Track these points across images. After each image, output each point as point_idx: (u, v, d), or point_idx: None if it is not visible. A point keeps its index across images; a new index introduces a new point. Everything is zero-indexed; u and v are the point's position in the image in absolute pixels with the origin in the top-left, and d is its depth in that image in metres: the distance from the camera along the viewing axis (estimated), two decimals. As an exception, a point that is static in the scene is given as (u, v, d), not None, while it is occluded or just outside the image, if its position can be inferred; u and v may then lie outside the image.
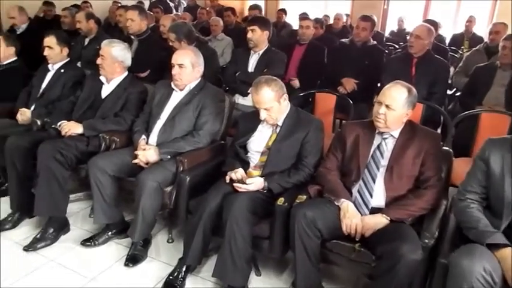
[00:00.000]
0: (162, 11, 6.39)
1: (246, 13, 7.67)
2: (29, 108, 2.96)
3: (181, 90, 2.50)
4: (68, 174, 2.39)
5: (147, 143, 2.44)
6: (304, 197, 1.97)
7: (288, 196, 1.99)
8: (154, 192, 2.16)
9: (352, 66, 3.68)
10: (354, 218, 1.82)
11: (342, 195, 1.92)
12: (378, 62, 3.69)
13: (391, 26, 7.54)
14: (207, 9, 6.46)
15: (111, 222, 2.39)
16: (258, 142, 2.22)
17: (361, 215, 1.86)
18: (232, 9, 6.01)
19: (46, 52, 2.98)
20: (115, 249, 2.39)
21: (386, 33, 7.14)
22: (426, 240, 1.68)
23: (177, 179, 2.25)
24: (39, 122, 2.75)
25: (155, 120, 2.48)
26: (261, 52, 3.20)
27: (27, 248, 2.27)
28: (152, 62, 3.52)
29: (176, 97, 2.50)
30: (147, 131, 2.50)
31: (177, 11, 7.96)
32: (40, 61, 3.98)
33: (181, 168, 2.26)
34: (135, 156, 2.33)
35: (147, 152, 2.31)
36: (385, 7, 7.27)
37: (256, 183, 2.07)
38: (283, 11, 7.03)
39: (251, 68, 3.20)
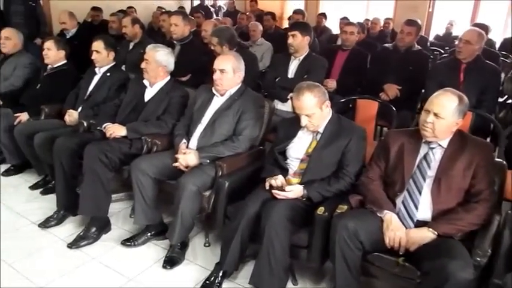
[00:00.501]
0: (203, 16, 6.51)
1: (286, 17, 7.69)
2: (76, 109, 3.09)
3: (222, 95, 2.51)
4: (112, 175, 2.46)
5: (187, 146, 2.47)
6: (345, 207, 1.91)
7: (328, 205, 1.94)
8: (193, 196, 2.17)
9: (394, 72, 3.56)
10: (397, 231, 1.74)
11: (385, 206, 1.85)
12: (422, 68, 3.55)
13: (435, 30, 7.27)
14: (247, 14, 6.49)
15: (151, 223, 2.43)
16: (298, 149, 2.18)
17: (406, 227, 1.78)
18: (272, 14, 6.02)
19: (94, 56, 3.10)
20: (153, 250, 2.43)
21: (431, 37, 6.89)
22: (478, 258, 1.58)
23: (215, 184, 2.25)
24: (85, 124, 2.86)
25: (196, 124, 2.51)
26: (301, 58, 3.17)
27: (70, 245, 2.36)
28: (193, 66, 3.57)
29: (217, 102, 2.52)
30: (188, 135, 2.53)
31: (217, 15, 8.09)
32: (87, 64, 4.18)
33: (220, 173, 2.27)
34: (176, 160, 2.36)
35: (187, 155, 2.34)
36: (429, 10, 7.00)
37: (295, 191, 2.03)
38: (323, 15, 6.96)
39: (291, 74, 3.17)
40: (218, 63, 2.47)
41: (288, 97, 3.10)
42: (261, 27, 5.23)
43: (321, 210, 1.91)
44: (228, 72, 2.45)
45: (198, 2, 8.28)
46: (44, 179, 3.08)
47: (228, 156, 2.35)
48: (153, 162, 2.38)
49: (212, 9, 8.25)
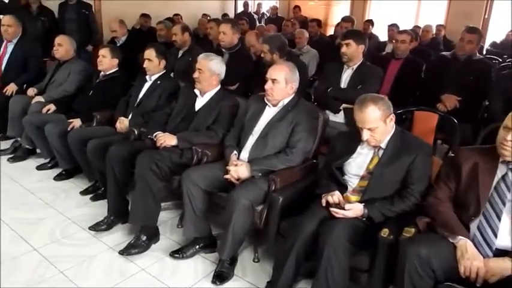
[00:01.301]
0: (247, 23, 6.50)
1: (330, 24, 7.55)
2: (126, 116, 3.11)
3: (274, 106, 2.43)
4: (162, 185, 2.43)
5: (238, 158, 2.41)
6: (413, 230, 1.76)
7: (393, 227, 1.80)
8: (246, 210, 2.10)
9: (453, 82, 3.36)
10: (474, 260, 1.58)
11: (459, 231, 1.68)
12: (485, 78, 3.33)
13: (491, 37, 6.86)
14: (292, 20, 6.41)
15: (200, 235, 2.37)
16: (357, 165, 2.06)
17: (483, 256, 1.61)
18: (318, 21, 5.91)
19: (145, 64, 3.11)
20: (202, 263, 2.37)
21: (486, 45, 6.52)
22: None
23: (268, 198, 2.17)
24: (136, 132, 2.86)
25: (247, 135, 2.44)
26: (355, 67, 3.04)
27: (122, 252, 2.34)
28: (242, 75, 3.52)
29: (269, 113, 2.44)
30: (239, 146, 2.47)
31: (260, 22, 8.07)
32: (137, 71, 4.24)
33: (273, 187, 2.18)
34: (227, 172, 2.30)
35: (239, 168, 2.27)
36: (485, 16, 6.62)
37: (355, 209, 1.91)
38: (370, 22, 6.75)
39: (344, 83, 3.05)
40: (271, 73, 2.40)
41: (341, 108, 2.98)
42: (307, 34, 5.14)
43: (385, 232, 1.77)
44: (280, 83, 2.37)
45: (242, 9, 8.27)
46: (94, 184, 3.11)
47: (281, 170, 2.26)
48: (204, 174, 2.33)
49: (255, 16, 8.24)
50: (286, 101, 2.42)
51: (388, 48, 5.81)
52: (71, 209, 2.86)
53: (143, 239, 2.41)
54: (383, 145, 2.01)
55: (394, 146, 2.00)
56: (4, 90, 3.82)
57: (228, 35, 3.55)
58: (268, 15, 8.65)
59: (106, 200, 2.86)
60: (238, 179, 2.27)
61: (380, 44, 6.14)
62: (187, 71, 3.85)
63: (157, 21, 6.36)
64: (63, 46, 3.76)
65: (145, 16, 6.33)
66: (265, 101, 2.46)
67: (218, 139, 2.62)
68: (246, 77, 3.56)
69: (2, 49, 3.99)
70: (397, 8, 7.29)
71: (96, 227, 2.56)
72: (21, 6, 4.99)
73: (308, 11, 8.07)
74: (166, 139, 2.59)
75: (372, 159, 2.02)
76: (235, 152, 2.42)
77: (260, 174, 2.25)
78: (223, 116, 2.68)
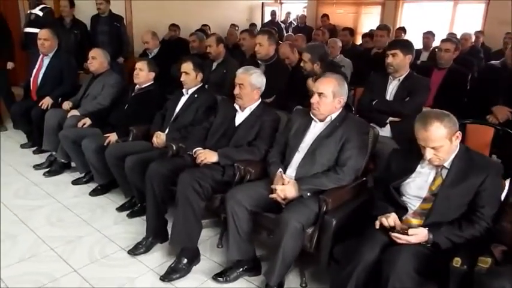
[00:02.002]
0: (275, 32, 6.40)
1: (360, 32, 7.38)
2: (163, 131, 3.04)
3: (321, 120, 2.31)
4: (204, 204, 2.34)
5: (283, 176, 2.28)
6: (489, 259, 1.59)
7: (464, 256, 1.63)
8: (297, 233, 1.97)
9: (505, 93, 3.17)
10: None
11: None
12: (541, 88, 3.11)
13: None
14: (322, 29, 6.29)
15: (244, 258, 2.26)
16: (417, 185, 1.90)
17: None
18: (350, 30, 5.78)
19: (182, 77, 3.05)
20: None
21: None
22: None
23: (319, 220, 2.03)
24: (174, 147, 2.79)
25: (293, 152, 2.32)
26: (401, 78, 2.88)
27: (163, 278, 2.24)
28: (278, 87, 3.41)
29: (316, 128, 2.32)
30: (283, 163, 2.35)
31: (287, 31, 7.98)
32: (168, 83, 4.19)
33: (325, 208, 2.04)
34: (272, 191, 2.18)
35: (286, 187, 2.14)
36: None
37: (419, 235, 1.75)
38: (402, 29, 6.56)
39: (389, 95, 2.90)
40: (318, 86, 2.28)
41: (387, 121, 2.83)
42: (340, 44, 5.01)
43: (457, 261, 1.61)
44: (327, 97, 2.24)
45: (269, 18, 8.21)
46: (130, 201, 3.05)
47: (331, 190, 2.12)
48: (249, 193, 2.21)
49: (283, 25, 8.17)
50: (334, 115, 2.29)
51: (423, 57, 5.62)
52: (109, 227, 2.79)
53: (184, 262, 2.30)
54: (447, 164, 1.85)
55: (460, 165, 1.83)
56: (40, 104, 3.82)
57: (264, 46, 3.45)
58: (295, 24, 8.56)
59: (143, 217, 2.82)
60: (284, 199, 2.15)
61: (416, 53, 5.92)
62: (221, 83, 3.80)
63: (184, 32, 6.47)
64: (97, 59, 3.75)
65: (174, 26, 6.34)
66: (311, 115, 2.34)
67: (260, 155, 2.50)
68: (283, 89, 3.46)
69: (38, 63, 4.00)
70: (431, 14, 7.05)
71: (135, 250, 2.47)
72: (55, 20, 5.04)
73: (336, 19, 7.93)
74: (207, 156, 2.49)
75: (435, 179, 1.86)
76: (280, 169, 2.30)
77: (309, 194, 2.12)
78: (265, 131, 2.57)
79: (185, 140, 2.83)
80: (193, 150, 2.60)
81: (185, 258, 2.31)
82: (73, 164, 3.59)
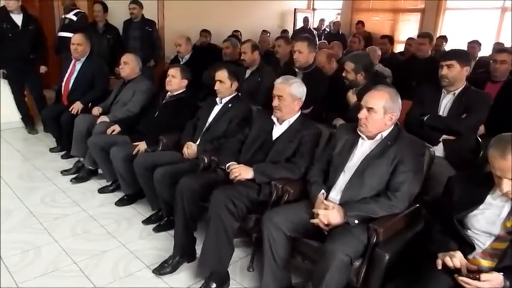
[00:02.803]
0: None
1: (396, 40, 7.06)
2: (194, 141, 2.88)
3: (370, 138, 2.07)
4: (237, 225, 2.15)
5: (326, 198, 2.06)
6: None
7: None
8: (343, 267, 1.74)
9: None
10: None
11: None
12: None
13: None
14: (358, 36, 6.02)
15: (280, 287, 2.04)
16: (487, 219, 1.64)
17: None
18: (390, 37, 5.51)
19: (217, 86, 2.88)
20: (281, 320, 2.03)
21: None
22: None
23: (368, 253, 1.80)
24: (206, 160, 2.62)
25: (337, 172, 2.09)
26: (457, 92, 2.61)
27: (190, 305, 2.06)
28: (316, 97, 3.20)
29: (365, 147, 2.08)
30: (326, 184, 2.13)
31: (320, 39, 7.75)
32: (200, 91, 4.05)
33: (375, 239, 1.81)
34: (314, 215, 1.96)
35: (330, 212, 1.92)
36: None
37: (493, 281, 1.49)
38: (444, 38, 6.21)
39: (443, 111, 2.63)
40: (367, 100, 2.05)
41: (440, 139, 2.57)
42: (379, 52, 4.75)
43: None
44: (378, 112, 2.01)
45: (302, 25, 8.01)
46: (156, 213, 2.89)
47: (382, 218, 1.88)
48: (288, 216, 2.01)
49: (315, 32, 7.94)
50: (385, 133, 2.05)
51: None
52: (134, 241, 2.65)
53: (213, 286, 2.12)
54: (526, 198, 1.58)
55: (541, 200, 1.57)
56: (70, 109, 3.75)
57: (304, 54, 3.24)
58: (328, 31, 8.32)
59: (169, 232, 2.68)
60: (327, 225, 1.93)
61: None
62: (255, 92, 3.62)
63: (215, 38, 6.36)
64: (129, 64, 3.64)
65: (205, 32, 6.24)
66: (358, 132, 2.11)
67: (300, 173, 2.29)
68: (321, 100, 3.24)
69: (70, 68, 3.95)
70: (475, 23, 6.66)
71: (160, 270, 2.30)
72: (88, 24, 5.02)
73: (372, 26, 7.64)
74: (242, 172, 2.30)
75: (511, 215, 1.60)
76: (323, 191, 2.08)
77: (357, 221, 1.89)
78: (305, 146, 2.36)
79: (218, 152, 2.67)
80: (227, 165, 2.42)
81: (214, 282, 2.13)
82: (100, 171, 3.49)
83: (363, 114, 2.04)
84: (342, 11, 8.31)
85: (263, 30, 7.04)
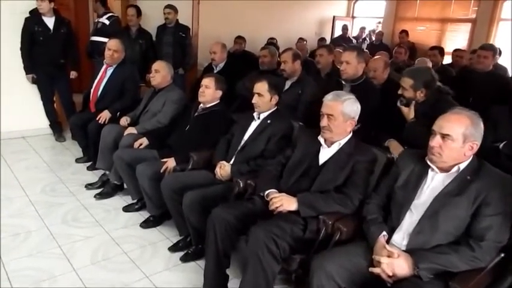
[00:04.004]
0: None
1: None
2: (228, 160, 2.59)
3: (444, 170, 1.70)
4: (279, 268, 1.82)
5: (388, 241, 1.70)
6: None
7: None
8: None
9: None
10: None
11: None
12: None
13: None
14: (403, 47, 5.59)
15: None
16: None
17: None
18: (440, 49, 5.04)
19: (255, 99, 2.58)
20: None
21: None
22: None
23: (447, 319, 1.43)
24: (241, 184, 2.32)
25: (402, 210, 1.73)
26: (541, 114, 2.20)
27: None
28: (366, 113, 2.82)
29: (436, 181, 1.71)
30: (387, 223, 1.77)
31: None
32: (232, 102, 3.76)
33: (455, 302, 1.44)
34: (374, 262, 1.61)
35: (396, 261, 1.57)
36: None
37: None
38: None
39: (523, 136, 2.22)
40: (442, 125, 1.69)
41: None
42: (430, 64, 4.34)
43: None
44: (455, 140, 1.64)
45: (340, 33, 7.65)
46: (184, 239, 2.60)
47: (463, 273, 1.52)
48: (342, 263, 1.66)
49: (354, 41, 7.55)
50: (463, 165, 1.68)
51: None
52: (160, 272, 2.36)
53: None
54: None
55: None
56: (97, 118, 3.55)
57: (352, 65, 2.89)
58: (368, 40, 7.90)
59: (198, 262, 2.43)
60: (391, 276, 1.57)
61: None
62: (295, 106, 3.29)
63: (249, 45, 6.10)
64: (160, 72, 3.41)
65: (240, 39, 5.99)
66: (428, 162, 1.74)
67: (353, 208, 1.95)
68: (372, 117, 2.87)
69: (101, 73, 3.74)
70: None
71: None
72: (121, 29, 4.85)
73: (416, 36, 7.17)
74: (284, 202, 1.97)
75: None
76: (384, 232, 1.72)
77: (431, 276, 1.52)
78: (359, 175, 2.01)
79: (254, 175, 2.36)
80: (266, 192, 2.10)
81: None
82: (126, 186, 3.24)
83: (436, 142, 1.68)
84: (383, 19, 7.88)
85: (300, 38, 6.73)
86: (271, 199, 2.02)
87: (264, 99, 2.56)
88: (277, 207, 1.97)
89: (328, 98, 2.09)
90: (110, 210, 3.06)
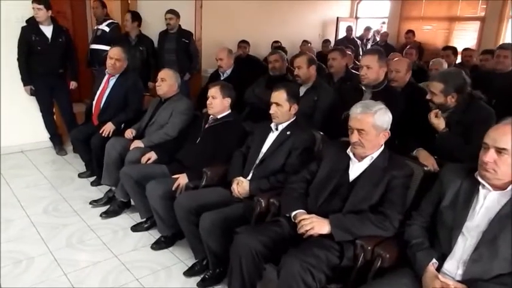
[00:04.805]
0: (352, 51, 5.66)
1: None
2: (245, 176, 2.40)
3: (499, 189, 1.51)
4: (315, 301, 1.62)
5: (438, 270, 1.52)
6: None
7: None
8: None
9: None
10: None
11: None
12: None
13: None
14: (411, 47, 5.42)
15: None
16: None
17: None
18: (453, 49, 4.88)
19: (273, 109, 2.39)
20: None
21: None
22: None
23: None
24: (263, 203, 2.13)
25: (454, 234, 1.54)
26: None
27: None
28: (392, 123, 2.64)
29: (491, 200, 1.52)
30: (435, 248, 1.59)
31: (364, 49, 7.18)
32: (240, 111, 3.58)
33: None
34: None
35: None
36: None
37: None
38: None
39: None
40: (496, 138, 1.49)
41: None
42: (445, 65, 4.14)
43: None
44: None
45: (344, 34, 7.47)
46: (200, 262, 2.41)
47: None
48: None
49: (359, 42, 7.38)
50: (519, 183, 1.49)
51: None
52: (174, 300, 2.17)
53: None
54: None
55: None
56: (101, 131, 3.35)
57: (373, 70, 2.71)
58: (372, 41, 7.73)
59: None
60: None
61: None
62: (311, 114, 3.10)
63: (253, 49, 5.92)
64: (166, 81, 3.21)
65: (244, 43, 5.81)
66: (479, 179, 1.55)
67: (393, 230, 1.76)
68: (397, 124, 2.68)
69: (103, 84, 3.54)
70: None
71: None
72: (121, 36, 4.66)
73: (423, 36, 7.01)
74: (315, 225, 1.78)
75: None
76: (434, 260, 1.53)
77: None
78: (397, 193, 1.82)
79: (276, 192, 2.18)
80: (293, 213, 1.91)
81: None
82: (133, 202, 3.05)
83: (490, 156, 1.49)
84: (388, 19, 7.71)
85: (304, 41, 6.56)
86: (299, 221, 1.83)
87: (282, 109, 2.37)
88: (307, 231, 1.78)
89: (357, 112, 1.90)
90: (118, 230, 2.86)
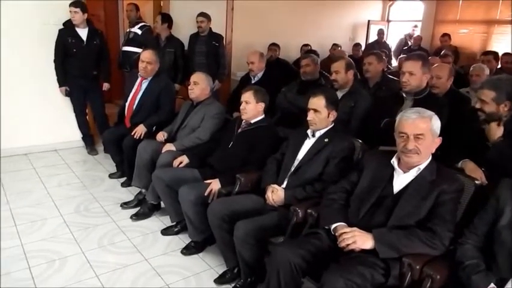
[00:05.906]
0: (386, 56, 5.49)
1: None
2: (279, 184, 2.33)
3: None
4: (359, 321, 1.53)
5: (496, 294, 1.40)
6: None
7: None
8: None
9: None
10: None
11: None
12: None
13: None
14: (448, 53, 5.22)
15: None
16: None
17: None
18: (495, 54, 4.67)
19: (310, 116, 2.32)
20: None
21: None
22: None
23: None
24: (300, 213, 2.05)
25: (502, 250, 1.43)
26: None
27: None
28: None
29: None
30: (492, 270, 1.47)
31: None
32: (271, 116, 3.50)
33: None
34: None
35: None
36: None
37: None
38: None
39: None
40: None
41: None
42: (487, 71, 3.94)
43: None
44: None
45: (376, 38, 7.30)
46: (231, 270, 2.35)
47: None
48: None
49: (390, 46, 7.19)
50: None
51: None
52: (205, 309, 2.12)
53: None
54: None
55: None
56: (133, 133, 3.35)
57: (416, 76, 2.58)
58: (404, 45, 7.50)
59: None
60: None
61: None
62: (348, 120, 3.00)
63: (282, 52, 5.83)
64: (199, 85, 3.18)
65: (274, 46, 5.73)
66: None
67: (444, 248, 1.64)
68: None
69: (136, 87, 3.54)
70: None
71: None
72: (153, 38, 4.68)
73: (458, 40, 6.76)
74: (357, 239, 1.68)
75: None
76: (492, 284, 1.42)
77: None
78: (447, 208, 1.70)
79: (313, 201, 2.10)
80: (333, 226, 1.83)
81: None
82: (163, 204, 3.02)
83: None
84: (422, 22, 7.47)
85: (334, 44, 6.45)
86: (340, 234, 1.74)
87: (321, 116, 2.29)
88: (348, 245, 1.69)
89: (413, 117, 1.78)
90: (148, 233, 2.84)
